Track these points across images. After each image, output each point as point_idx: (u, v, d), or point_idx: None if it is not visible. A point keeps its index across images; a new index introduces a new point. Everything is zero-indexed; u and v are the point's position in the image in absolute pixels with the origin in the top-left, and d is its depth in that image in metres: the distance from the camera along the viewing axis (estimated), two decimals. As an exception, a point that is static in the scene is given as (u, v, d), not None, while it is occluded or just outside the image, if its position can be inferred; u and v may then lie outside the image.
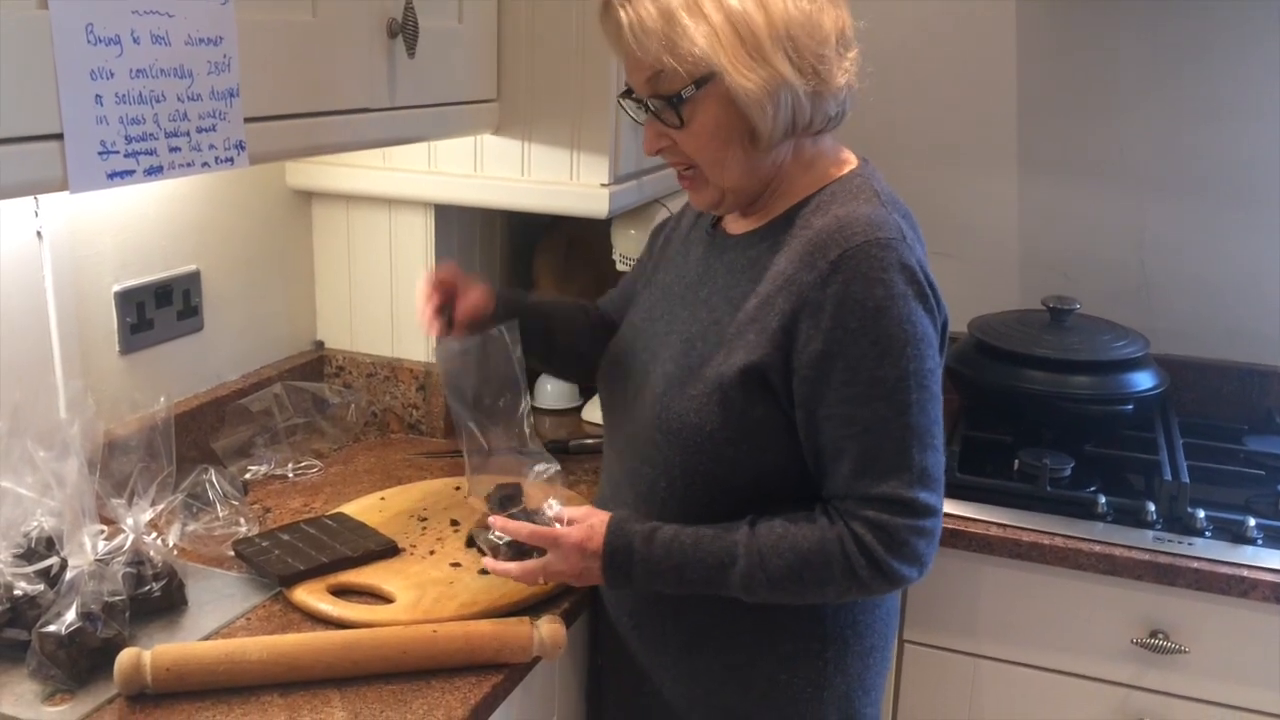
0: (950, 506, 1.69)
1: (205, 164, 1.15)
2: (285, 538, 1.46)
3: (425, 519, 1.57)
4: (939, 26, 2.15)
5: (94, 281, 1.53)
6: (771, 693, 1.30)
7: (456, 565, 1.44)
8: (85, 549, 1.25)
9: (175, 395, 1.65)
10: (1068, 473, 1.78)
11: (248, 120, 1.19)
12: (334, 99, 1.35)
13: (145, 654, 1.17)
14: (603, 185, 1.69)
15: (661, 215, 1.91)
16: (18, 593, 1.21)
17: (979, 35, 2.13)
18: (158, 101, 1.08)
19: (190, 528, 1.47)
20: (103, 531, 1.28)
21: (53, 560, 1.25)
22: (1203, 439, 1.94)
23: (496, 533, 1.30)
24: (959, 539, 1.65)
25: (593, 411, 2.02)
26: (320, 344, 2.00)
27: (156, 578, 1.30)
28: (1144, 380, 1.86)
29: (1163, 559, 1.57)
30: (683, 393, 1.24)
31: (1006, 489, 1.75)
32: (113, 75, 1.03)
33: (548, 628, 1.28)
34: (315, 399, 1.85)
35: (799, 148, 1.25)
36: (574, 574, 1.28)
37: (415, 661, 1.23)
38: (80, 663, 1.17)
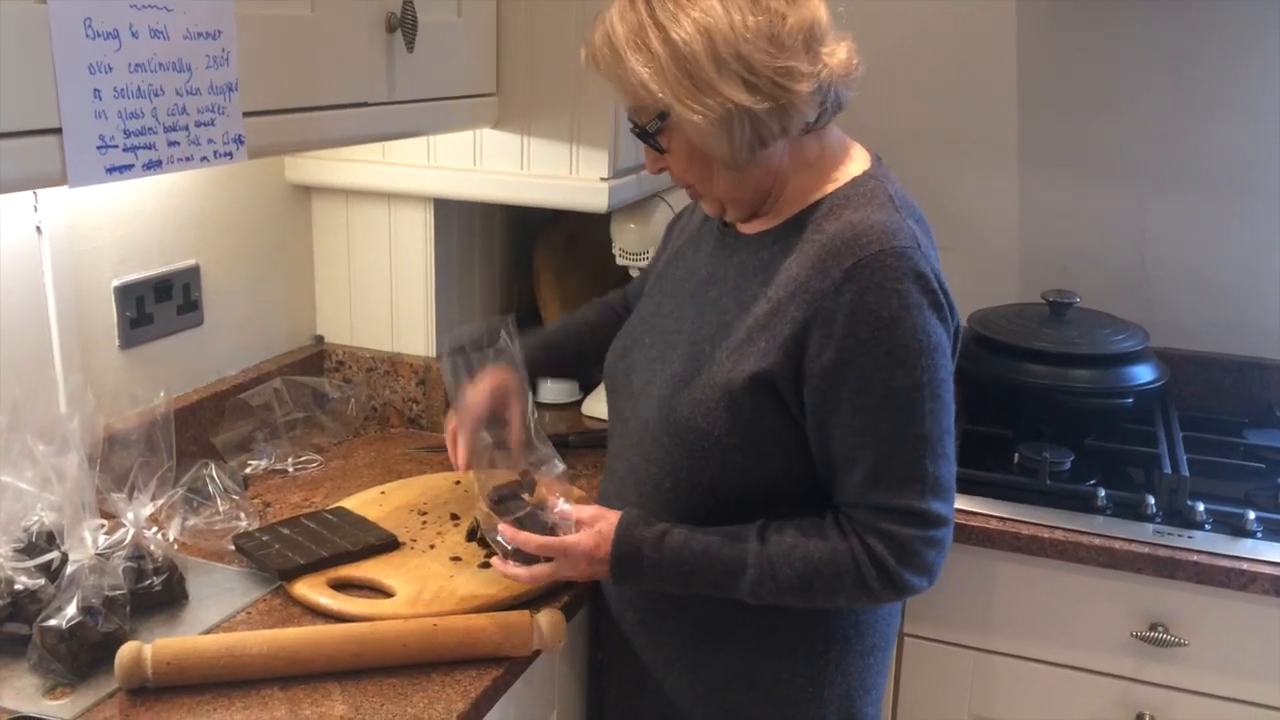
0: (950, 500, 1.69)
1: (204, 158, 1.15)
2: (285, 532, 1.46)
3: (425, 513, 1.57)
4: (940, 21, 2.14)
5: (93, 276, 1.53)
6: (774, 691, 1.30)
7: (457, 559, 1.44)
8: (86, 543, 1.25)
9: (175, 390, 1.65)
10: (1067, 466, 1.78)
11: (246, 114, 1.19)
12: (332, 93, 1.35)
13: (146, 648, 1.17)
14: (602, 180, 1.69)
15: (661, 210, 1.91)
16: (18, 587, 1.21)
17: (980, 29, 2.13)
18: (156, 96, 1.08)
19: (190, 522, 1.47)
20: (103, 526, 1.29)
21: (53, 555, 1.25)
22: (1203, 432, 1.94)
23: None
24: (959, 533, 1.63)
25: (593, 406, 2.02)
26: (320, 338, 2.00)
27: (157, 572, 1.30)
28: (1144, 374, 1.86)
29: (1162, 552, 1.57)
30: (690, 396, 1.24)
31: (1006, 482, 1.75)
32: (111, 70, 1.03)
33: (548, 621, 1.28)
34: (315, 394, 1.85)
35: (799, 148, 1.23)
36: (582, 578, 1.29)
37: (415, 655, 1.23)
38: (81, 657, 1.17)
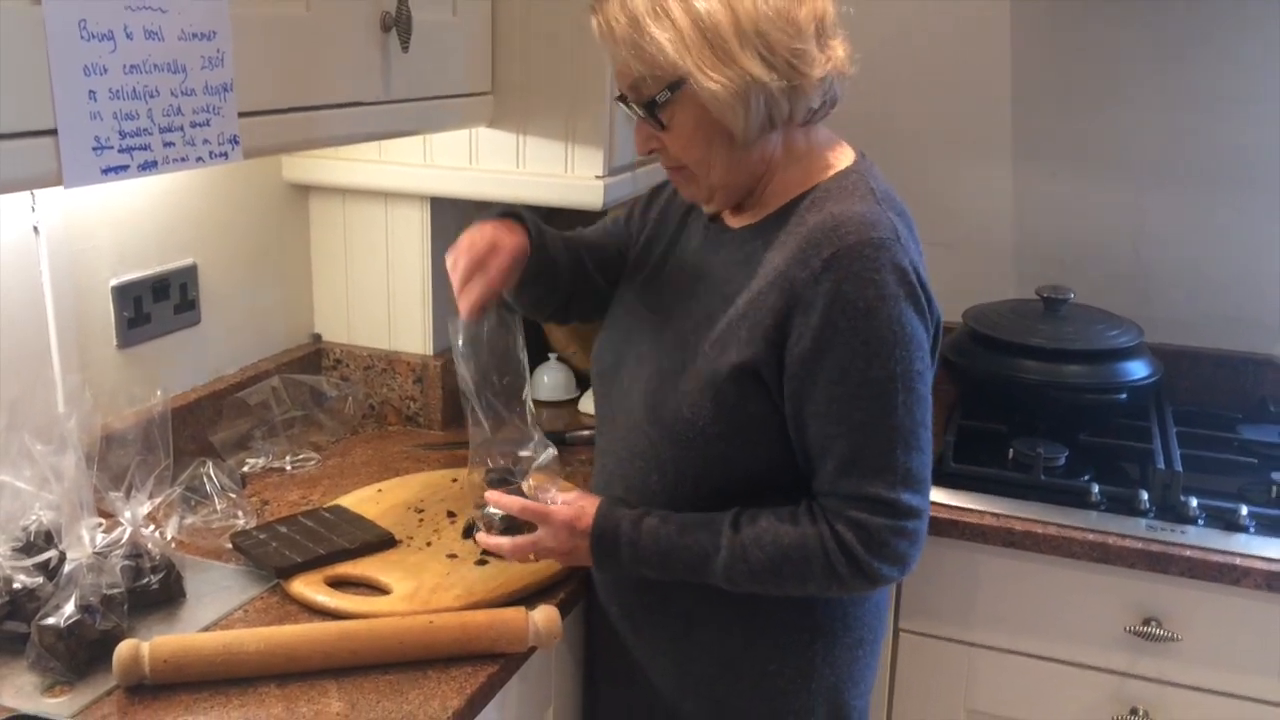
0: (945, 495, 1.69)
1: (199, 158, 1.16)
2: (283, 530, 1.47)
3: (422, 511, 1.58)
4: (936, 18, 2.15)
5: (91, 276, 1.54)
6: (761, 683, 1.31)
7: (453, 556, 1.44)
8: (84, 542, 1.26)
9: (173, 389, 1.66)
10: (1062, 462, 1.79)
11: (242, 115, 1.20)
12: (328, 93, 1.35)
13: (144, 645, 1.17)
14: (597, 177, 1.70)
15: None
16: (17, 586, 1.22)
17: (975, 24, 2.13)
18: (151, 96, 1.09)
19: (188, 520, 1.48)
20: (101, 524, 1.29)
21: (51, 553, 1.26)
22: (1197, 428, 1.95)
23: (490, 508, 1.32)
24: (953, 528, 1.65)
25: (589, 403, 2.03)
26: (317, 337, 2.01)
27: (154, 570, 1.31)
28: (1138, 369, 1.87)
29: (1156, 547, 1.58)
30: (675, 387, 1.25)
31: (1001, 478, 1.75)
32: (106, 71, 1.03)
33: (543, 617, 1.29)
34: (313, 392, 1.86)
35: (790, 141, 1.25)
36: (563, 551, 1.30)
37: (412, 651, 1.24)
38: (79, 654, 1.18)
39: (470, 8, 1.62)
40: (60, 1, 0.98)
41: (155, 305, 1.63)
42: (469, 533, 1.48)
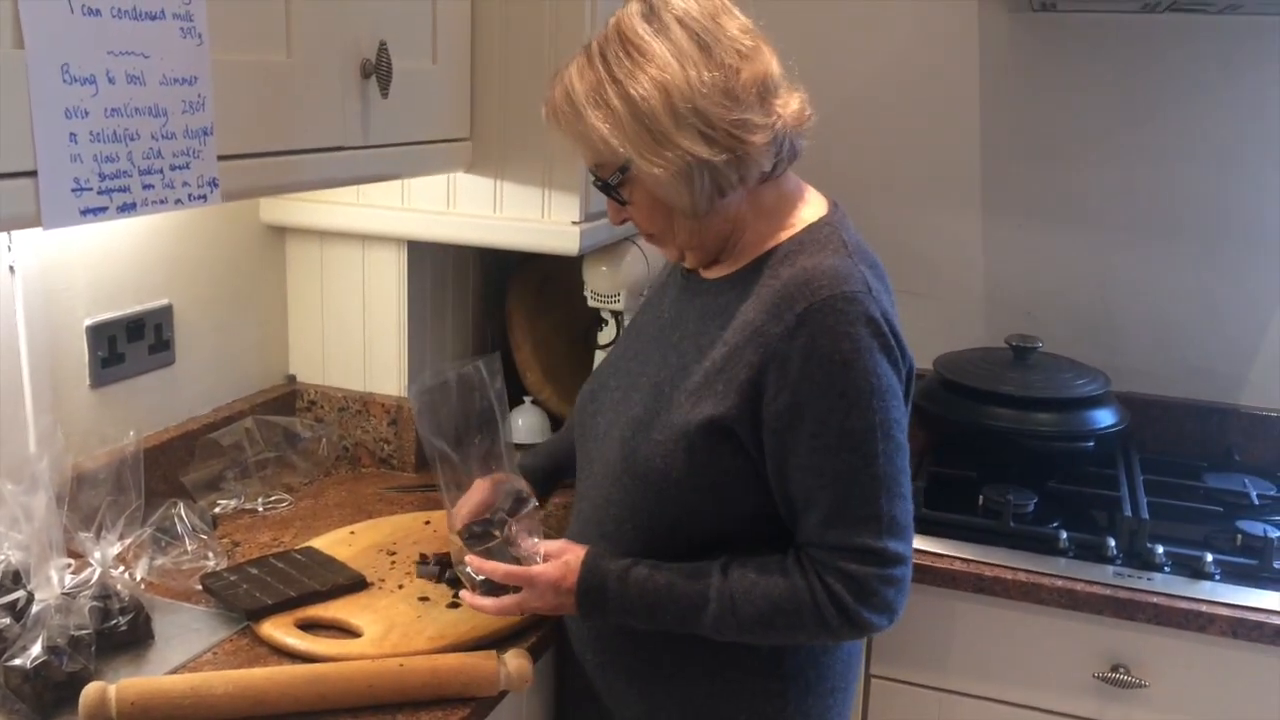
0: (916, 541, 1.69)
1: (178, 201, 1.16)
2: (253, 572, 1.46)
3: (394, 553, 1.57)
4: (904, 70, 2.19)
5: (66, 315, 1.54)
6: (734, 731, 1.31)
7: (425, 599, 1.44)
8: (52, 583, 1.25)
9: (146, 429, 1.65)
10: (1031, 508, 1.81)
11: (221, 158, 1.21)
12: (307, 138, 1.37)
13: (110, 688, 1.16)
14: (574, 223, 1.72)
15: (633, 253, 1.94)
16: (-17, 626, 1.21)
17: (944, 79, 2.18)
18: (132, 140, 1.10)
19: (158, 561, 1.47)
20: (70, 565, 1.28)
21: (19, 594, 1.25)
22: (1163, 476, 1.97)
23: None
24: (924, 574, 1.66)
25: (563, 446, 2.03)
26: (292, 378, 2.01)
27: (123, 611, 1.30)
28: (1105, 418, 1.90)
29: (1123, 594, 1.60)
30: (649, 438, 1.26)
31: (971, 524, 1.77)
32: (88, 114, 1.04)
33: (514, 662, 1.29)
34: (286, 433, 1.86)
35: (756, 196, 1.26)
36: (549, 609, 1.29)
37: (382, 695, 1.23)
38: (45, 696, 1.17)
39: (450, 55, 1.65)
40: (44, 44, 0.99)
41: (130, 345, 1.63)
42: (440, 575, 1.47)
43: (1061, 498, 1.88)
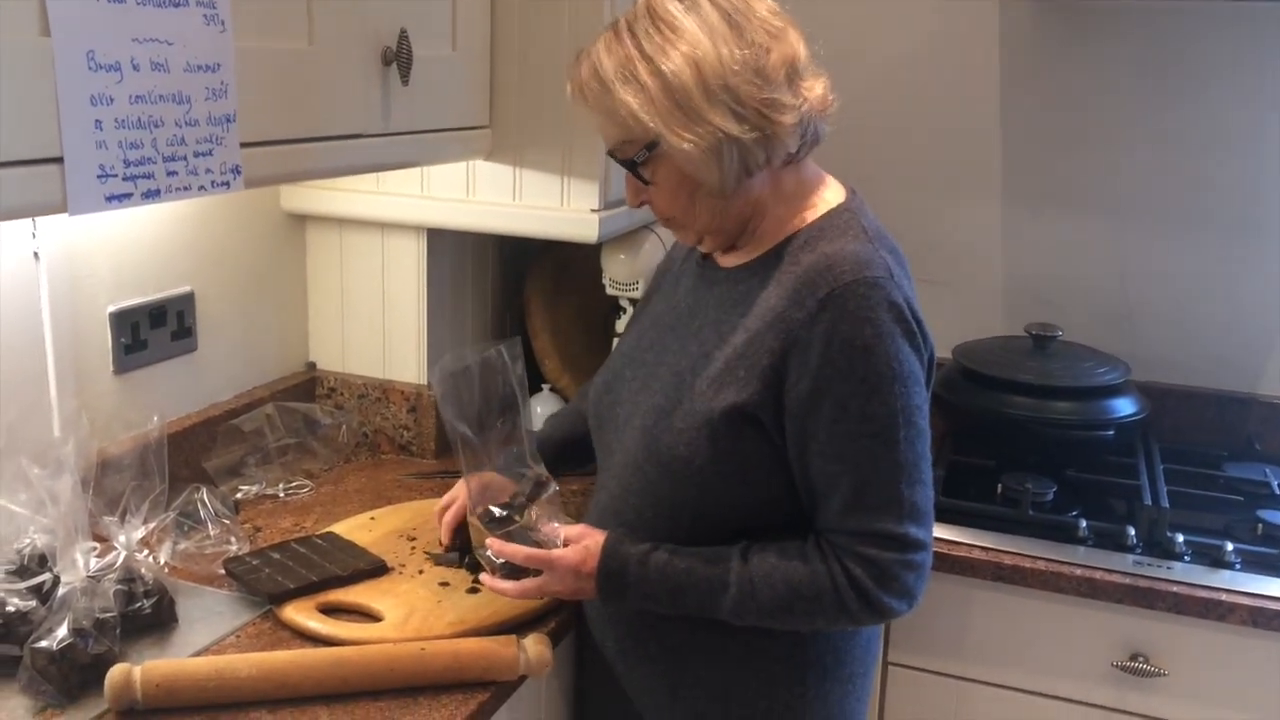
0: (934, 530, 1.70)
1: (201, 187, 1.17)
2: (275, 556, 1.47)
3: (414, 539, 1.58)
4: (925, 59, 2.18)
5: (89, 302, 1.55)
6: (752, 718, 1.31)
7: (445, 584, 1.45)
8: (78, 566, 1.27)
9: (168, 415, 1.67)
10: (1050, 497, 1.81)
11: (244, 145, 1.22)
12: (329, 125, 1.37)
13: (136, 670, 1.18)
14: (593, 210, 1.72)
15: (651, 241, 1.94)
16: (10, 609, 1.22)
17: (964, 67, 2.17)
18: (156, 126, 1.10)
19: (181, 546, 1.48)
20: (95, 549, 1.30)
21: (45, 577, 1.26)
22: (1183, 465, 1.96)
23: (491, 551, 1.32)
24: (943, 562, 1.66)
25: (582, 434, 2.04)
26: (312, 365, 2.02)
27: (148, 595, 1.32)
28: (1125, 406, 1.89)
29: (1142, 583, 1.59)
30: (671, 425, 1.26)
31: (990, 513, 1.77)
32: (112, 101, 1.05)
33: (534, 647, 1.30)
34: (307, 419, 1.87)
35: (777, 180, 1.26)
36: (569, 593, 1.30)
37: (403, 679, 1.25)
38: (71, 678, 1.18)
39: (469, 43, 1.65)
40: (70, 32, 1.00)
41: (152, 332, 1.65)
42: (461, 560, 1.48)
43: (1081, 486, 1.88)
